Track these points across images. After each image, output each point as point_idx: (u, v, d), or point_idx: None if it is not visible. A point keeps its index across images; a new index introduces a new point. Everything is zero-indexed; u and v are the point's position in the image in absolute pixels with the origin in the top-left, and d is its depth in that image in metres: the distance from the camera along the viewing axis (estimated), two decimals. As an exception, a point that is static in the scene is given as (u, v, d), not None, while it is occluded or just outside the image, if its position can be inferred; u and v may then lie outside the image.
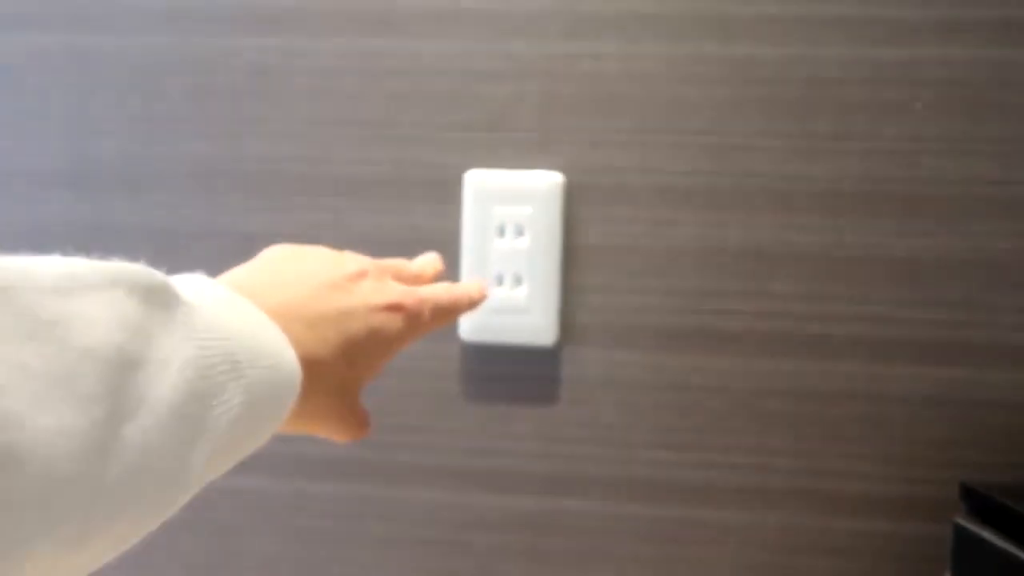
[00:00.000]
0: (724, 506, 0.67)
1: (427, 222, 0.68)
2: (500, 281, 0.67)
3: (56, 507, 0.20)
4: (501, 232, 0.67)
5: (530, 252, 0.67)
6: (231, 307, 0.30)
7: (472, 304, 0.48)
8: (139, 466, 0.23)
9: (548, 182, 0.66)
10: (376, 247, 0.69)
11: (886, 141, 0.64)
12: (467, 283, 0.50)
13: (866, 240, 0.64)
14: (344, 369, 0.37)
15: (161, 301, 0.25)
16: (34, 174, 0.71)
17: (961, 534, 0.55)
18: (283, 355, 0.31)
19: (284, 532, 0.71)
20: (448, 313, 0.45)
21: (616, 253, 0.67)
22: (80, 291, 0.22)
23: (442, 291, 0.45)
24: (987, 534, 0.53)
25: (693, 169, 0.65)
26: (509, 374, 0.68)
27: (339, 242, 0.69)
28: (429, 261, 0.51)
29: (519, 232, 0.67)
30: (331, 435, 0.40)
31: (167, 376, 0.24)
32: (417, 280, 0.47)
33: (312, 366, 0.35)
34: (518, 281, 0.67)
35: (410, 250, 0.68)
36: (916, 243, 0.64)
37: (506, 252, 0.67)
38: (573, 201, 0.67)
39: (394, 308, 0.40)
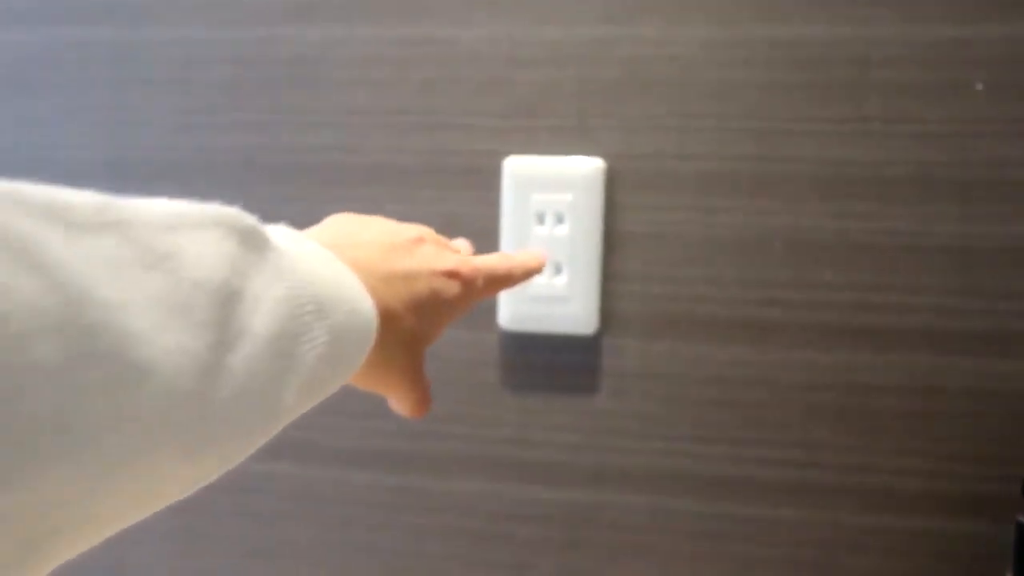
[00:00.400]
0: (769, 502, 0.65)
1: (465, 210, 0.67)
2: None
3: (175, 420, 0.22)
4: (541, 220, 0.66)
5: (570, 240, 0.66)
6: (315, 255, 0.32)
7: (528, 274, 0.49)
8: (242, 391, 0.25)
9: (589, 168, 0.65)
10: (414, 236, 0.68)
11: (939, 124, 0.61)
12: (524, 253, 0.50)
13: (918, 227, 0.62)
14: (414, 323, 0.39)
15: (254, 243, 0.27)
16: (74, 165, 0.72)
17: None
18: (362, 302, 0.33)
19: (323, 520, 0.71)
20: (502, 282, 0.47)
21: (657, 241, 0.65)
22: (187, 228, 0.25)
23: (496, 260, 0.47)
24: (1048, 533, 0.51)
25: (736, 154, 0.64)
26: (548, 363, 0.67)
27: (377, 231, 0.69)
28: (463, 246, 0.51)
29: (559, 219, 0.66)
30: (398, 396, 0.42)
31: (263, 311, 0.26)
32: (466, 251, 0.48)
33: (386, 317, 0.36)
34: (558, 269, 0.66)
35: (449, 239, 0.68)
36: (971, 230, 0.61)
37: (546, 240, 0.66)
38: (613, 188, 0.65)
39: (452, 274, 0.41)
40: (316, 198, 0.69)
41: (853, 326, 0.63)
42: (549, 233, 0.66)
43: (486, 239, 0.67)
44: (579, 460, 0.67)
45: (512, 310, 0.67)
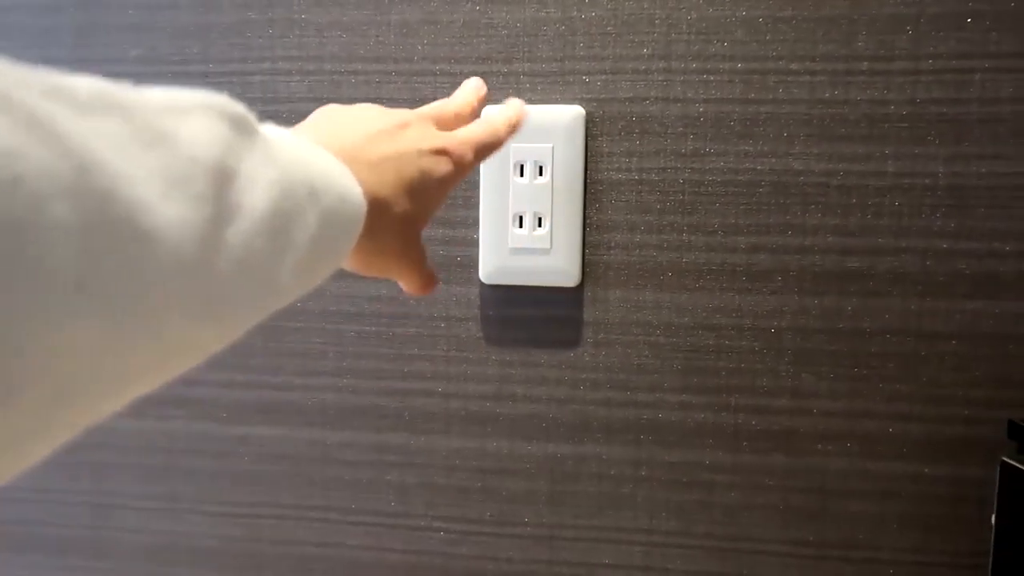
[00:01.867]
0: (756, 450, 0.64)
1: (443, 161, 0.65)
2: (520, 222, 0.64)
3: (180, 285, 0.23)
4: (520, 170, 0.64)
5: (551, 190, 0.64)
6: (303, 146, 0.33)
7: (513, 129, 0.49)
8: (240, 263, 0.26)
9: (569, 116, 0.63)
10: (391, 188, 0.66)
11: (932, 60, 0.59)
12: (501, 109, 0.50)
13: (910, 168, 0.60)
14: (405, 207, 0.39)
15: (245, 128, 0.28)
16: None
17: (1008, 473, 0.52)
18: (350, 190, 0.34)
19: (304, 482, 0.70)
20: (491, 147, 0.47)
21: (641, 189, 0.63)
22: (183, 112, 0.26)
23: (480, 129, 0.47)
24: (1039, 473, 0.50)
25: (722, 97, 0.62)
26: (531, 317, 0.66)
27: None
28: (470, 91, 0.51)
29: (539, 170, 0.64)
30: (401, 279, 0.44)
31: (257, 190, 0.27)
32: (457, 120, 0.48)
33: (375, 203, 0.37)
34: (539, 221, 0.64)
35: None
36: (962, 170, 0.60)
37: (526, 191, 0.64)
38: (595, 135, 0.63)
39: (440, 152, 0.42)
40: (289, 151, 0.67)
41: (842, 270, 0.62)
42: (529, 183, 0.64)
43: (465, 191, 0.65)
44: (563, 413, 0.66)
45: (493, 264, 0.65)
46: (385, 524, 0.70)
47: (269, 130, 0.32)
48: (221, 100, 0.28)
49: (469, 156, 0.44)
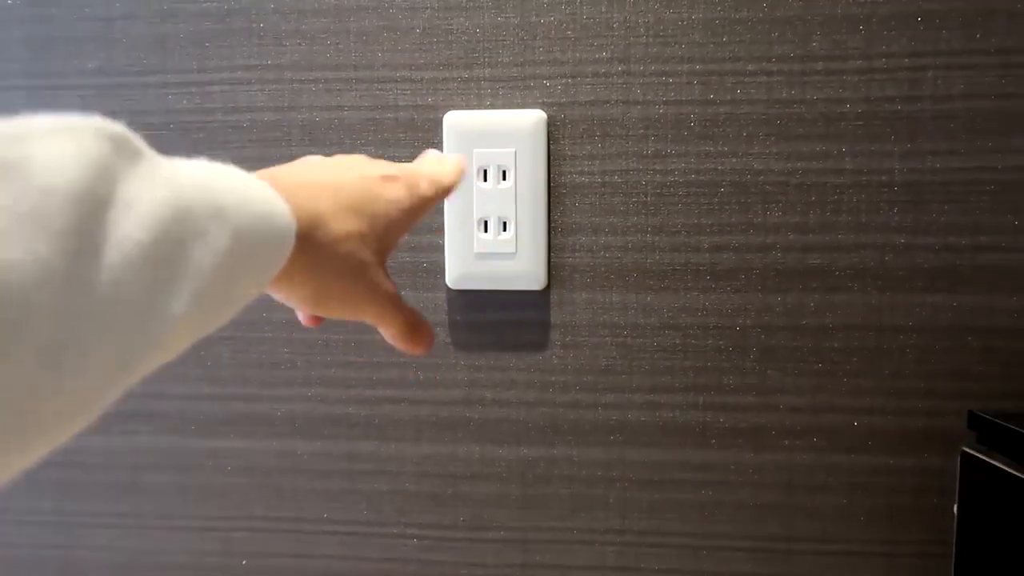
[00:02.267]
0: (724, 448, 0.65)
1: (406, 168, 0.65)
2: (485, 226, 0.64)
3: (30, 329, 0.21)
4: (484, 175, 0.64)
5: (515, 194, 0.64)
6: (212, 167, 0.31)
7: (460, 173, 0.46)
8: (109, 299, 0.23)
9: (531, 120, 0.63)
10: (355, 196, 0.66)
11: (885, 59, 0.60)
12: (446, 159, 0.47)
13: (866, 165, 0.61)
14: (347, 222, 0.37)
15: (126, 149, 0.26)
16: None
17: (968, 463, 0.53)
18: (273, 204, 0.32)
19: (275, 493, 0.69)
20: (443, 182, 0.44)
21: (604, 191, 0.64)
22: (40, 136, 0.23)
23: (429, 162, 0.45)
24: (995, 461, 0.51)
25: (681, 99, 0.62)
26: (498, 321, 0.66)
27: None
28: (451, 168, 0.46)
29: (503, 174, 0.64)
30: (379, 319, 0.40)
31: (138, 216, 0.25)
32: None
33: (310, 219, 0.34)
34: (504, 225, 0.64)
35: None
36: (919, 166, 0.61)
37: (490, 196, 0.64)
38: (557, 139, 0.64)
39: (389, 179, 0.40)
40: (250, 159, 0.66)
41: (803, 267, 0.62)
42: (493, 188, 0.64)
43: (429, 196, 0.65)
44: (533, 416, 0.66)
45: (459, 269, 0.65)
46: (358, 533, 0.69)
47: (175, 161, 0.30)
48: (95, 121, 0.25)
49: (422, 184, 0.42)
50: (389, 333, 0.42)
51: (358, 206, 0.37)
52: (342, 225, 0.36)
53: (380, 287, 0.39)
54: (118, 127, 0.26)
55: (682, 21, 0.61)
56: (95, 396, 0.24)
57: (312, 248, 0.35)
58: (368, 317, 0.40)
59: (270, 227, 0.31)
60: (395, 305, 0.41)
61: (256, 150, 0.66)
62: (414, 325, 0.42)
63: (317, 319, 0.43)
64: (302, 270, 0.35)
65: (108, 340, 0.24)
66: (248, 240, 0.29)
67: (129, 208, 0.25)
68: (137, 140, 0.27)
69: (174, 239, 0.26)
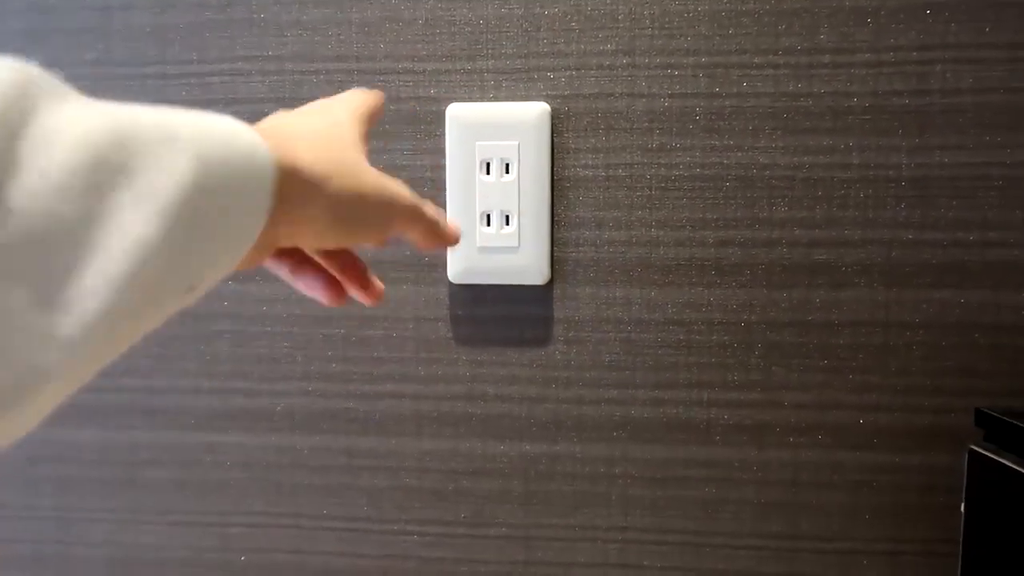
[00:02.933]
0: (728, 445, 0.64)
1: (409, 161, 0.65)
2: (488, 220, 0.63)
3: None
4: (487, 168, 0.63)
5: (518, 188, 0.63)
6: (166, 109, 0.27)
7: (456, 239, 0.43)
8: (33, 232, 0.21)
9: (534, 113, 0.62)
10: (356, 189, 0.65)
11: (893, 52, 0.59)
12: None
13: (874, 160, 0.60)
14: (340, 148, 0.34)
15: (55, 86, 0.23)
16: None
17: (976, 461, 0.52)
18: (243, 135, 0.28)
19: (274, 488, 0.69)
20: (439, 231, 0.41)
21: (608, 185, 0.63)
22: None
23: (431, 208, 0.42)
24: (1003, 459, 0.50)
25: (686, 91, 0.62)
26: (501, 316, 0.65)
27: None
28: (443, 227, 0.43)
29: (506, 167, 0.63)
30: (402, 222, 0.37)
31: (62, 142, 0.22)
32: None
33: (291, 168, 0.31)
34: (507, 219, 0.63)
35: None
36: (927, 160, 0.60)
37: (493, 189, 0.63)
38: (560, 132, 0.63)
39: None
40: (251, 153, 0.66)
41: (810, 263, 0.62)
42: (496, 181, 0.63)
43: (431, 190, 0.65)
44: (535, 412, 0.66)
45: (462, 263, 0.64)
46: (358, 529, 0.69)
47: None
48: (12, 60, 0.23)
49: (431, 209, 0.39)
50: (419, 229, 0.38)
51: (345, 159, 0.35)
52: (334, 148, 0.34)
53: (388, 183, 0.37)
54: (35, 68, 0.24)
55: (688, 13, 0.61)
56: (22, 348, 0.21)
57: (303, 177, 0.31)
58: (395, 217, 0.36)
59: (243, 155, 0.28)
60: (411, 202, 0.37)
61: (256, 142, 0.66)
62: (433, 219, 0.39)
63: (341, 294, 0.40)
64: (301, 203, 0.31)
65: (29, 275, 0.21)
66: (215, 167, 0.26)
67: (56, 135, 0.22)
68: (56, 81, 0.24)
69: (114, 165, 0.23)
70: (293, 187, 0.31)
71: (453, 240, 0.41)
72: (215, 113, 0.28)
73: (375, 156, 0.64)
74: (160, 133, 0.25)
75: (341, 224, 0.34)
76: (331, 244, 0.35)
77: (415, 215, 0.38)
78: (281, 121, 0.36)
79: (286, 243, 0.34)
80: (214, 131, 0.27)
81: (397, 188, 0.37)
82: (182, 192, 0.24)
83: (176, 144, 0.25)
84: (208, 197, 0.26)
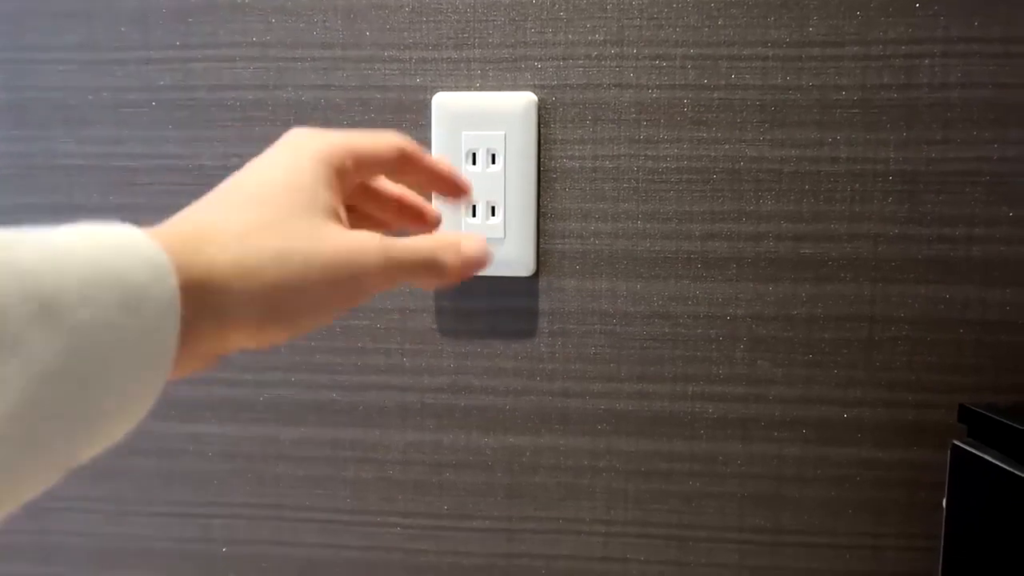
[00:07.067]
0: (713, 438, 0.64)
1: (394, 150, 0.64)
2: (474, 211, 0.63)
3: None
4: (472, 159, 0.63)
5: (504, 179, 0.63)
6: (71, 236, 0.24)
7: (479, 261, 0.36)
8: None
9: (521, 103, 0.62)
10: (341, 178, 0.64)
11: (882, 46, 0.59)
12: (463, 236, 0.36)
13: (862, 154, 0.60)
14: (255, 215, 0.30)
15: None
16: (-27, 112, 0.67)
17: (959, 456, 0.52)
18: (134, 269, 0.25)
19: (257, 480, 0.68)
20: (439, 261, 0.35)
21: (595, 176, 0.63)
22: None
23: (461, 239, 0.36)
24: (986, 455, 0.50)
25: (674, 83, 0.61)
26: (486, 307, 0.65)
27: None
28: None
29: (492, 158, 0.63)
30: (385, 276, 0.31)
31: None
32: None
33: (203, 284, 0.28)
34: (492, 210, 0.63)
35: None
36: (914, 155, 0.60)
37: (479, 179, 0.63)
38: (547, 122, 0.62)
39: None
40: (234, 139, 0.65)
41: (796, 257, 0.62)
42: (482, 172, 0.63)
43: (417, 179, 0.64)
44: (520, 404, 0.65)
45: (447, 253, 0.64)
46: (341, 521, 0.68)
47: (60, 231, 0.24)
48: None
49: (400, 246, 0.32)
50: (414, 277, 0.33)
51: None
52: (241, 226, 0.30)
53: (351, 243, 0.31)
54: None
55: (676, 4, 0.60)
56: None
57: (217, 285, 0.28)
58: (366, 282, 0.31)
59: (134, 286, 0.25)
60: (381, 250, 0.31)
61: (240, 129, 0.65)
62: (431, 252, 0.33)
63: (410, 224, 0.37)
64: (220, 312, 0.28)
65: None
66: (96, 336, 0.24)
67: None
68: None
69: None
70: (208, 297, 0.28)
71: (473, 266, 0.34)
72: (114, 224, 0.26)
73: (360, 145, 0.64)
74: (29, 305, 0.22)
75: (283, 317, 0.30)
76: (281, 339, 0.30)
77: (391, 269, 0.32)
78: (203, 214, 0.31)
79: (224, 350, 0.30)
80: (107, 285, 0.24)
81: (361, 247, 0.31)
82: (45, 379, 0.23)
83: (51, 322, 0.22)
84: (86, 370, 0.24)
